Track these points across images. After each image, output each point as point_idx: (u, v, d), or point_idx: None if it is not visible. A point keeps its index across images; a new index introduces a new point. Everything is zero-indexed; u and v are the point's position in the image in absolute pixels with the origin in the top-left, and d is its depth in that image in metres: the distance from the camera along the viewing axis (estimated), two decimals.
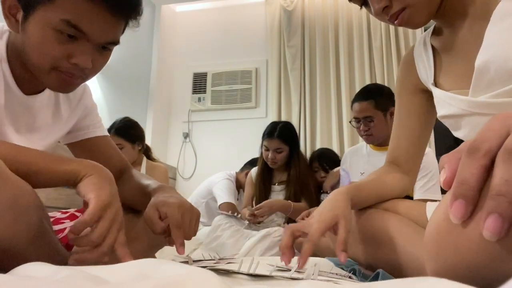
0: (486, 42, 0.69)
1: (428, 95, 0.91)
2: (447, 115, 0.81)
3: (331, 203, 0.84)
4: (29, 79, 0.87)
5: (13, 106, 0.86)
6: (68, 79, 0.82)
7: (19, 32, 0.80)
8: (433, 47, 0.88)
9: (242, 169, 2.95)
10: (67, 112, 1.02)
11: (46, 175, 0.71)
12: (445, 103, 0.80)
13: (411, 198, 1.90)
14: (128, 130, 2.44)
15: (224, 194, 2.68)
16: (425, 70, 0.89)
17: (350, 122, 2.21)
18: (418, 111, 0.98)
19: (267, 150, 2.38)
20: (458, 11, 0.79)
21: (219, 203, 2.66)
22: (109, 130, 2.44)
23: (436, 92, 0.84)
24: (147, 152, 2.64)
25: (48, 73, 0.81)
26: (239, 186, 2.89)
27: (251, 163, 2.92)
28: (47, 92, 0.94)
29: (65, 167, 0.72)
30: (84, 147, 1.06)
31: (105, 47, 0.84)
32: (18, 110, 0.88)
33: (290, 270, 0.74)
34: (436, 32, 0.89)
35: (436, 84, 0.86)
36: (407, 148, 1.00)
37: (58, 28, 0.77)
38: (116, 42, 0.85)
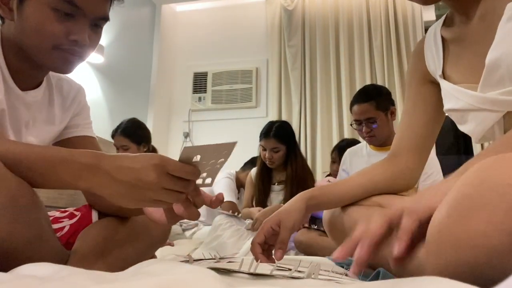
0: (498, 38, 0.68)
1: (437, 86, 0.89)
2: (453, 108, 0.80)
3: (286, 206, 0.96)
4: (25, 72, 0.88)
5: (10, 101, 0.86)
6: (69, 57, 0.85)
7: (14, 20, 0.81)
8: (443, 39, 0.86)
9: (243, 168, 2.95)
10: (61, 110, 1.01)
11: (48, 182, 0.65)
12: (453, 96, 0.79)
13: None
14: (134, 131, 2.44)
15: (224, 192, 2.68)
16: (433, 61, 0.88)
17: (351, 125, 2.18)
18: (425, 102, 0.96)
19: (264, 150, 2.39)
20: None
21: None
22: (116, 130, 2.44)
23: (444, 84, 0.82)
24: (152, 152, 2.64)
25: (50, 53, 0.83)
26: (239, 185, 2.89)
27: (252, 162, 2.92)
28: (42, 89, 0.94)
29: (66, 178, 0.63)
30: (68, 146, 1.02)
31: (97, 25, 0.87)
32: (15, 105, 0.87)
33: (290, 269, 0.74)
34: (447, 23, 0.86)
35: (444, 75, 0.84)
36: (411, 138, 0.98)
37: (55, 7, 0.79)
38: (107, 18, 0.88)
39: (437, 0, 0.77)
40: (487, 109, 0.72)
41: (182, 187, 0.64)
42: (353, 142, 2.58)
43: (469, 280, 0.40)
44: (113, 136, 2.46)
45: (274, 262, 0.89)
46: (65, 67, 0.87)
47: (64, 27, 0.81)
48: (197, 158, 0.64)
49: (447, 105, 0.82)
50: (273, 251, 0.94)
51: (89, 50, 0.88)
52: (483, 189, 0.41)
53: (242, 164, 3.03)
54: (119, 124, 2.48)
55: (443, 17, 0.88)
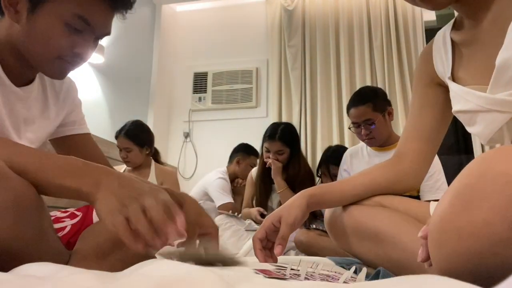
0: (508, 40, 0.68)
1: (444, 89, 0.89)
2: (462, 110, 0.80)
3: (287, 203, 0.97)
4: (18, 70, 0.88)
5: (7, 97, 0.87)
6: (68, 67, 0.88)
7: (19, 23, 0.82)
8: (453, 42, 0.86)
9: (230, 159, 2.95)
10: (55, 106, 1.02)
11: (47, 188, 0.66)
12: (461, 98, 0.79)
13: (417, 197, 1.90)
14: (137, 134, 2.45)
15: (221, 195, 2.69)
16: (442, 64, 0.88)
17: (349, 128, 2.17)
18: (432, 104, 0.96)
19: (268, 151, 2.37)
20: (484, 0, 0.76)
21: (217, 205, 2.66)
22: (120, 132, 2.43)
23: (453, 86, 0.83)
24: (155, 155, 2.64)
25: (52, 62, 0.85)
26: (234, 177, 2.89)
27: (237, 150, 2.92)
28: (36, 84, 0.95)
29: (65, 183, 0.64)
30: (66, 144, 1.06)
31: (98, 37, 0.90)
32: (12, 101, 0.88)
33: (290, 268, 0.74)
34: (456, 26, 0.86)
35: (454, 78, 0.84)
36: (416, 139, 0.98)
37: (68, 22, 0.81)
38: (109, 34, 0.91)
39: (445, 5, 0.77)
40: (496, 110, 0.72)
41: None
42: (337, 150, 2.57)
43: (471, 271, 0.40)
44: (116, 137, 2.45)
45: (276, 262, 0.89)
46: (61, 75, 0.90)
47: (71, 40, 0.84)
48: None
49: (456, 106, 0.82)
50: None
51: (85, 60, 0.90)
52: (485, 179, 0.42)
53: None
54: (123, 126, 2.47)
55: (452, 20, 0.88)
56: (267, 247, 0.94)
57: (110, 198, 0.60)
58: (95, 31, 0.86)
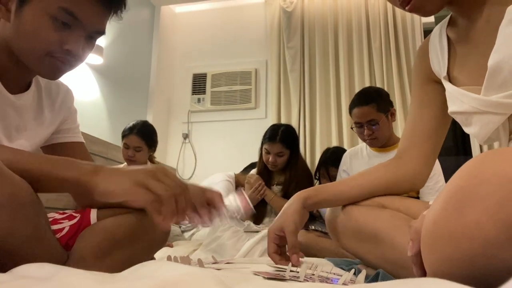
0: (499, 41, 0.68)
1: (442, 86, 0.88)
2: (458, 111, 0.80)
3: (284, 209, 0.98)
4: (14, 74, 0.88)
5: (0, 105, 0.86)
6: (60, 65, 0.85)
7: (11, 21, 0.82)
8: (449, 39, 0.85)
9: (243, 172, 2.95)
10: (50, 113, 1.01)
11: (47, 182, 0.72)
12: (457, 99, 0.79)
13: (416, 199, 1.89)
14: (150, 135, 2.49)
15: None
16: (438, 62, 0.87)
17: (351, 128, 2.17)
18: (430, 103, 0.95)
19: (268, 153, 2.37)
20: (475, 0, 0.76)
21: None
22: (131, 130, 2.42)
23: (448, 87, 0.82)
24: (151, 155, 2.66)
25: (41, 59, 0.83)
26: (239, 185, 2.89)
27: (252, 166, 2.91)
28: (31, 91, 0.95)
29: (65, 175, 0.71)
30: (58, 151, 1.05)
31: (92, 37, 0.88)
32: (5, 109, 0.87)
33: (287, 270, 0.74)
34: (452, 23, 0.86)
35: (450, 77, 0.84)
36: (417, 140, 0.97)
37: (54, 16, 0.80)
38: (103, 32, 0.89)
39: (435, 12, 0.77)
40: (491, 112, 0.72)
41: (173, 185, 0.74)
42: (336, 151, 2.57)
43: (466, 274, 0.40)
44: (125, 135, 2.43)
45: (299, 265, 0.91)
46: (53, 74, 0.87)
47: (60, 36, 0.82)
48: None
49: (452, 107, 0.82)
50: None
51: (79, 60, 0.88)
52: (477, 181, 0.42)
53: (241, 165, 3.03)
54: (133, 124, 2.46)
55: (448, 17, 0.88)
56: (279, 252, 0.97)
57: (119, 177, 0.71)
58: (84, 27, 0.84)
